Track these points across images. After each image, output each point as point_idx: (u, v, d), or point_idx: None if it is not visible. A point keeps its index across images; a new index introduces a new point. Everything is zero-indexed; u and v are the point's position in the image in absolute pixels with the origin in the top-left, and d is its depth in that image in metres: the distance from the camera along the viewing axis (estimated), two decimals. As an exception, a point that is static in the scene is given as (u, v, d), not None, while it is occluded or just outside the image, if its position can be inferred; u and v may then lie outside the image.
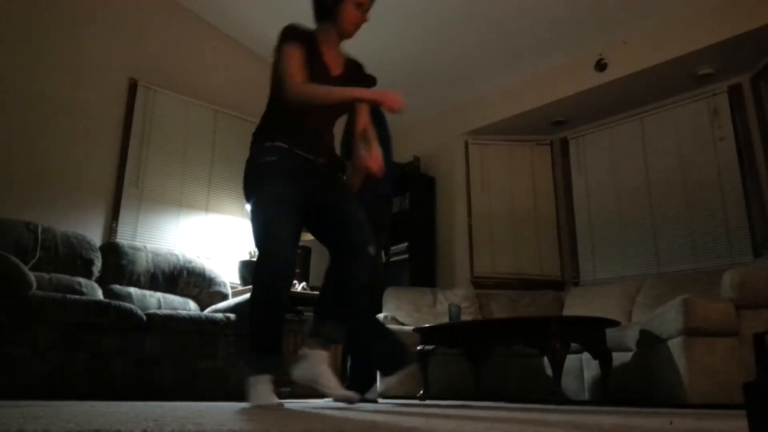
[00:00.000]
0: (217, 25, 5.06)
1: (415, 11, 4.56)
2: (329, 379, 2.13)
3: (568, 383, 3.83)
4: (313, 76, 2.13)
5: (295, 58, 2.12)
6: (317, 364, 2.15)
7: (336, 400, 2.17)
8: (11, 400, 2.38)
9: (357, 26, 2.27)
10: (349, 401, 2.18)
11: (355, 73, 2.36)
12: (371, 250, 2.20)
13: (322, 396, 2.81)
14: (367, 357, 2.86)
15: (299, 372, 2.19)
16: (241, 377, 3.50)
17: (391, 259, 5.43)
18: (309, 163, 2.21)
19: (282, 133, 2.19)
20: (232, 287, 4.36)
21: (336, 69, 2.29)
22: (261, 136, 2.24)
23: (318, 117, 2.23)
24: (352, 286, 2.20)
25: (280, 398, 2.37)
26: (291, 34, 2.20)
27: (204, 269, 4.17)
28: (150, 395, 3.09)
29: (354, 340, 2.79)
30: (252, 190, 2.18)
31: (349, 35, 2.28)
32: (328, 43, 2.29)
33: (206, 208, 4.75)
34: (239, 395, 3.43)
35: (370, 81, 2.38)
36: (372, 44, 4.84)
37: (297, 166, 2.17)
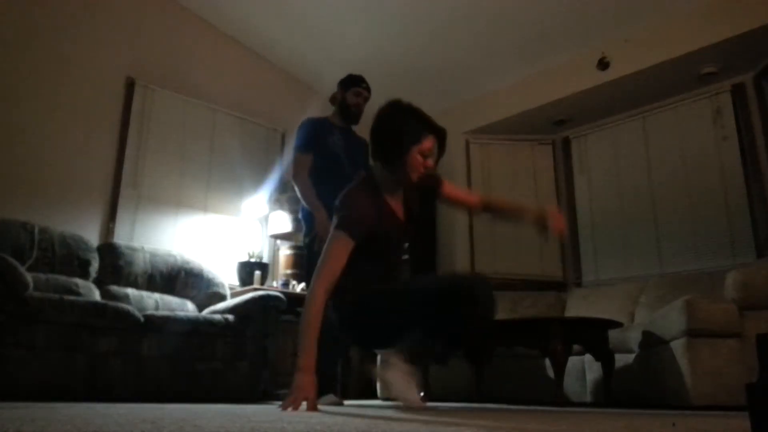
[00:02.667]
0: (216, 23, 5.04)
1: (415, 9, 4.54)
2: (413, 393, 2.12)
3: (569, 385, 3.80)
4: (383, 232, 2.13)
5: (341, 253, 2.05)
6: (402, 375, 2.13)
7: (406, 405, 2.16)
8: (8, 401, 2.35)
9: (420, 174, 2.18)
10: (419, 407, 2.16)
11: (420, 197, 2.34)
12: None
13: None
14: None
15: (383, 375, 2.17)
16: (239, 378, 3.48)
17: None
18: None
19: None
20: (230, 288, 4.33)
21: (401, 213, 2.25)
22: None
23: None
24: None
25: (280, 398, 2.37)
26: (351, 223, 2.06)
27: (202, 270, 4.15)
28: (148, 397, 3.07)
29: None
30: None
31: (410, 183, 2.19)
32: (391, 191, 2.22)
33: (204, 209, 4.73)
34: (238, 397, 3.42)
35: (433, 186, 2.40)
36: (372, 44, 4.83)
37: None
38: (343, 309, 2.19)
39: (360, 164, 3.26)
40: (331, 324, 3.06)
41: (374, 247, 2.15)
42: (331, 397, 2.97)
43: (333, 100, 3.49)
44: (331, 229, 2.12)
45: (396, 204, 2.24)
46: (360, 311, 2.16)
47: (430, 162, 2.17)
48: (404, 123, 2.14)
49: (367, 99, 3.40)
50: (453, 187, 2.40)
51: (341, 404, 2.92)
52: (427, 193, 2.31)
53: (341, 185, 2.86)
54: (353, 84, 3.40)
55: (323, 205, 3.08)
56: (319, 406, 2.02)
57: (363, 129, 3.39)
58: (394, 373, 2.09)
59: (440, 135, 2.18)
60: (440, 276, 2.17)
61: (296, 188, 3.28)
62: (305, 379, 1.90)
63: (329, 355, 3.07)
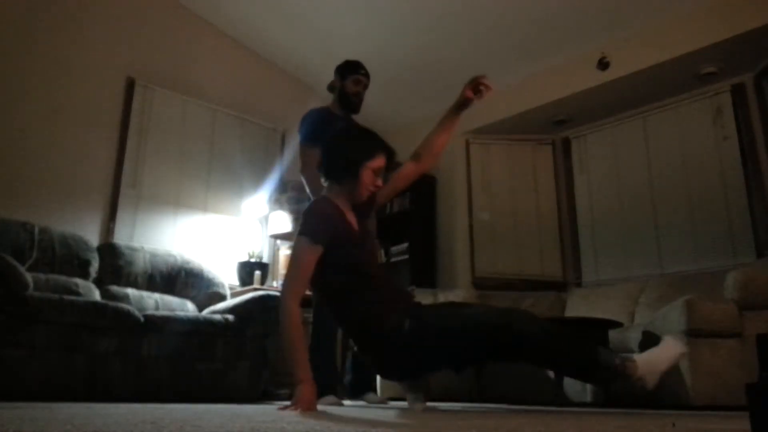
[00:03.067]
0: (216, 23, 5.04)
1: (415, 9, 4.54)
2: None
3: (570, 385, 3.80)
4: (343, 247, 2.13)
5: (307, 259, 2.06)
6: None
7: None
8: (8, 401, 2.35)
9: (369, 192, 2.24)
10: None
11: (364, 212, 2.35)
12: None
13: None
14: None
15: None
16: (239, 378, 3.48)
17: (392, 260, 5.41)
18: None
19: None
20: (230, 288, 4.33)
21: (355, 227, 2.25)
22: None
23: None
24: None
25: (280, 398, 2.37)
26: (313, 228, 2.09)
27: (202, 270, 4.15)
28: (148, 397, 3.07)
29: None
30: None
31: (361, 200, 2.25)
32: (344, 204, 2.25)
33: (204, 208, 4.73)
34: (238, 397, 3.42)
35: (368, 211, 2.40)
36: (372, 44, 4.83)
37: None
38: (391, 338, 2.11)
39: None
40: (327, 320, 3.05)
41: (351, 262, 2.15)
42: (331, 398, 2.96)
43: (331, 88, 3.36)
44: (294, 239, 2.15)
45: (351, 218, 2.26)
46: (417, 336, 2.08)
47: (380, 182, 2.24)
48: (359, 140, 2.26)
49: (366, 86, 3.29)
50: (384, 187, 2.36)
51: (341, 404, 2.91)
52: (363, 209, 2.33)
53: None
54: (351, 71, 3.27)
55: None
56: (319, 407, 2.01)
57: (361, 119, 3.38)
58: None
59: (390, 155, 2.25)
60: (490, 309, 2.15)
61: (304, 182, 3.20)
62: (306, 389, 1.90)
63: (327, 354, 3.06)
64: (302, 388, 1.90)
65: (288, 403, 1.93)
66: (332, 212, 2.17)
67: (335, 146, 2.27)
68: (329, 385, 2.96)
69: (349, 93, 3.25)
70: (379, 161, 2.22)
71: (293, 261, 2.10)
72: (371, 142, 2.24)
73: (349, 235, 2.18)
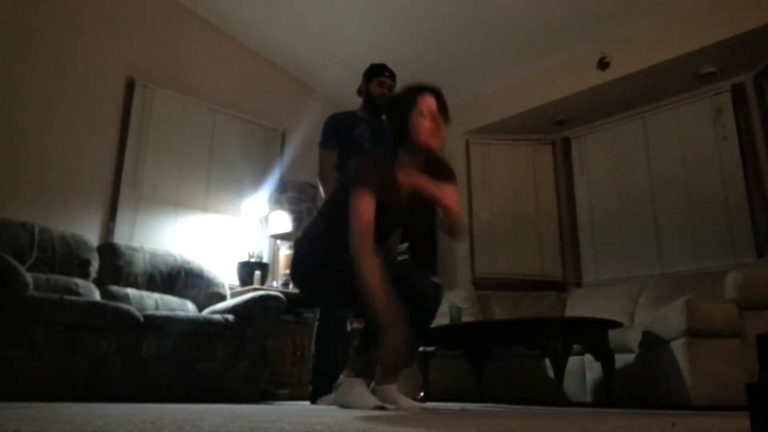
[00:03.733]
0: (216, 23, 5.04)
1: (415, 10, 4.54)
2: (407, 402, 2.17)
3: (570, 385, 3.80)
4: (384, 209, 2.10)
5: (366, 204, 2.05)
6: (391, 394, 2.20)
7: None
8: (8, 401, 2.35)
9: (434, 135, 2.14)
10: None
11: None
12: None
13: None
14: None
15: (337, 398, 2.22)
16: (239, 378, 3.48)
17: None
18: None
19: None
20: (230, 288, 4.33)
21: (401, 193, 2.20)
22: None
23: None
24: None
25: (280, 398, 2.37)
26: (367, 175, 2.10)
27: (202, 270, 4.14)
28: (148, 397, 3.07)
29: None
30: None
31: (429, 149, 2.15)
32: (408, 165, 2.19)
33: (204, 208, 4.73)
34: (238, 397, 3.42)
35: (448, 177, 2.30)
36: (372, 44, 4.82)
37: None
38: (329, 253, 2.14)
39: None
40: (333, 325, 3.08)
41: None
42: (330, 398, 2.97)
43: (360, 92, 3.41)
44: (352, 191, 2.09)
45: (407, 178, 2.18)
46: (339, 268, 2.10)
47: (440, 122, 2.13)
48: (399, 94, 2.22)
49: (392, 87, 3.30)
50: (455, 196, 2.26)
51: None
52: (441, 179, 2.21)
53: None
54: (375, 74, 3.32)
55: None
56: (319, 406, 2.02)
57: None
58: (347, 392, 2.15)
59: (436, 92, 2.16)
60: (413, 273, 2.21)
61: (320, 187, 3.26)
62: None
63: (331, 355, 3.08)
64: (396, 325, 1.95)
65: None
66: (381, 168, 2.14)
67: (387, 112, 2.26)
68: (330, 387, 2.99)
69: (374, 95, 3.28)
70: (425, 101, 2.11)
71: (357, 212, 2.05)
72: (409, 90, 2.17)
73: (390, 198, 2.13)
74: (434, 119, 2.13)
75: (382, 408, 2.02)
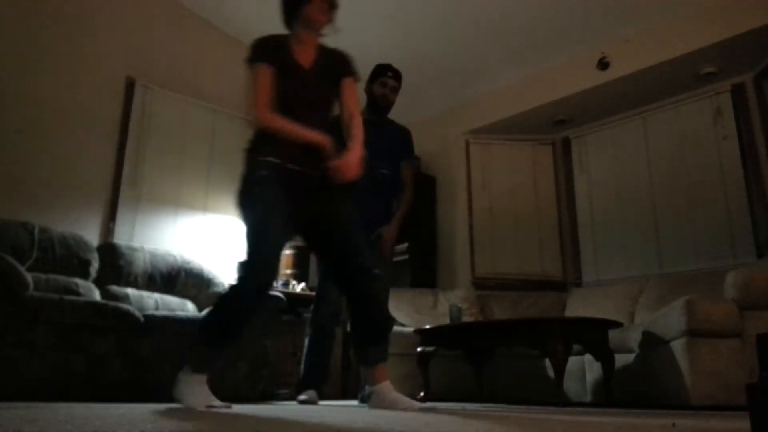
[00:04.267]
0: (216, 23, 5.04)
1: (415, 10, 4.54)
2: (404, 401, 2.13)
3: (570, 385, 3.80)
4: (284, 78, 2.23)
5: (262, 78, 2.21)
6: (388, 393, 2.16)
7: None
8: (8, 401, 2.35)
9: (325, 13, 2.33)
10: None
11: (330, 65, 2.37)
12: (377, 270, 2.24)
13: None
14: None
15: (374, 406, 2.18)
16: (239, 378, 3.48)
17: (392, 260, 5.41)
18: (303, 178, 2.21)
19: (273, 149, 2.20)
20: (231, 288, 4.32)
21: (306, 63, 2.33)
22: (253, 152, 2.28)
23: (306, 124, 2.22)
24: (378, 308, 2.28)
25: (280, 398, 2.37)
26: (259, 50, 2.29)
27: (202, 270, 4.14)
28: (147, 397, 3.06)
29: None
30: (242, 204, 2.23)
31: (319, 26, 2.34)
32: (300, 42, 2.35)
33: (204, 208, 4.72)
34: (238, 397, 3.41)
35: (347, 73, 2.40)
36: (372, 44, 4.82)
37: (290, 182, 2.19)
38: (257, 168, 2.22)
39: (390, 158, 3.20)
40: (323, 317, 3.01)
41: (282, 90, 2.21)
42: (312, 393, 2.99)
43: (364, 92, 3.34)
44: (248, 69, 2.25)
45: (304, 55, 2.32)
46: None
47: (330, 14, 2.34)
48: None
49: (395, 88, 3.27)
50: (353, 92, 2.40)
51: (315, 403, 2.92)
52: (334, 70, 2.37)
53: (365, 183, 2.87)
54: (378, 75, 3.28)
55: None
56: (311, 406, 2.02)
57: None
58: (186, 390, 2.15)
59: None
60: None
61: None
62: (322, 140, 2.17)
63: (316, 348, 3.09)
64: (322, 140, 2.16)
65: None
66: (276, 43, 2.30)
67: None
68: (315, 383, 3.04)
69: (376, 96, 3.25)
70: None
71: (254, 86, 2.20)
72: None
73: (292, 68, 2.26)
74: (325, 13, 2.34)
75: (211, 407, 1.99)
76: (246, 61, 2.29)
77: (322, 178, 2.20)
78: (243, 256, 2.12)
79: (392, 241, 3.20)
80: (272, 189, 2.15)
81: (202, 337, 2.16)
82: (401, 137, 3.36)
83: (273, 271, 2.18)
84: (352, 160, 2.21)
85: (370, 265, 2.22)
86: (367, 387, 2.24)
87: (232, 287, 2.13)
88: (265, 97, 2.18)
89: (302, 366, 3.18)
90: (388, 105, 3.27)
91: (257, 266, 2.08)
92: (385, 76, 3.26)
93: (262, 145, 2.24)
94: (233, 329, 2.12)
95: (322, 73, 2.32)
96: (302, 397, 2.98)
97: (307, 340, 3.19)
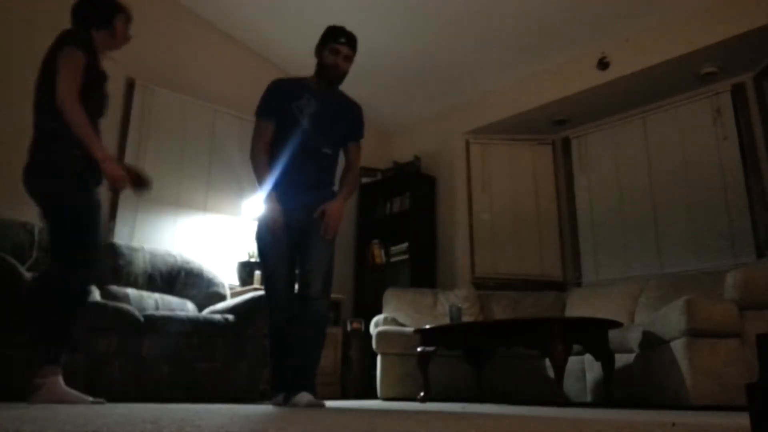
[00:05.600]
0: (216, 23, 5.04)
1: (415, 10, 4.54)
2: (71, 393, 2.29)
3: (569, 385, 3.80)
4: (91, 81, 2.47)
5: (77, 65, 2.42)
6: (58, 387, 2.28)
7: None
8: (8, 401, 2.35)
9: (123, 43, 2.75)
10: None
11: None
12: None
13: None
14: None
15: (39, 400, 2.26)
16: (239, 378, 3.47)
17: (392, 260, 5.41)
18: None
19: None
20: (230, 288, 4.33)
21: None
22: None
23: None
24: None
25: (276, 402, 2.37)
26: (75, 37, 2.53)
27: (202, 270, 4.14)
28: (148, 397, 3.07)
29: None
30: None
31: (117, 48, 2.71)
32: (101, 48, 2.62)
33: (204, 208, 4.72)
34: (238, 397, 3.42)
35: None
36: (373, 43, 4.82)
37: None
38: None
39: (334, 135, 2.81)
40: (282, 327, 2.70)
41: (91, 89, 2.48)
42: (279, 399, 2.62)
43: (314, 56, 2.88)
44: (67, 51, 2.43)
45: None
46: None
47: (129, 37, 2.76)
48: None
49: (349, 57, 2.77)
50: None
51: (279, 404, 2.57)
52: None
53: (300, 157, 2.71)
54: (328, 39, 2.78)
55: (274, 190, 2.68)
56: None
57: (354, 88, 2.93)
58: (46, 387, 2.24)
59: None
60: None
61: (252, 166, 2.82)
62: (105, 158, 2.38)
63: (281, 352, 2.71)
64: (106, 166, 2.37)
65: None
66: (89, 43, 2.53)
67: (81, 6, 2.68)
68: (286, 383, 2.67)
69: (327, 65, 2.75)
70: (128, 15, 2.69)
71: (69, 69, 2.40)
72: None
73: (95, 73, 2.53)
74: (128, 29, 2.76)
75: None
76: (62, 42, 2.52)
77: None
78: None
79: (336, 219, 2.71)
80: None
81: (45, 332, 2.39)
82: (352, 114, 2.90)
83: None
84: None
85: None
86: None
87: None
88: (76, 84, 2.40)
89: (270, 369, 2.91)
90: (340, 76, 2.78)
91: None
92: (337, 41, 2.75)
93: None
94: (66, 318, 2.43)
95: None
96: (273, 401, 2.69)
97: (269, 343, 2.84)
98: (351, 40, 2.79)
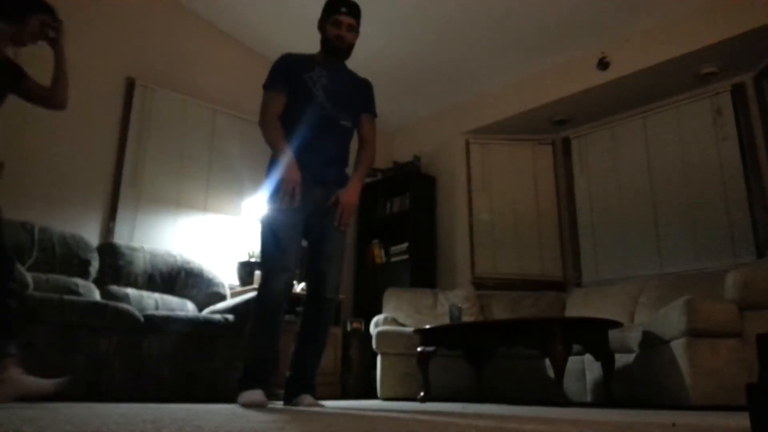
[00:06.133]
0: (215, 23, 5.03)
1: (416, 10, 4.54)
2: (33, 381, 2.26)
3: (569, 385, 3.80)
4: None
5: None
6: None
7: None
8: (8, 402, 2.35)
9: (31, 42, 2.59)
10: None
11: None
12: None
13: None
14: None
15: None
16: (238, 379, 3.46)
17: (392, 260, 5.41)
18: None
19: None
20: (230, 288, 4.33)
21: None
22: None
23: None
24: None
25: (279, 398, 2.37)
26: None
27: (202, 270, 4.15)
28: (148, 397, 3.07)
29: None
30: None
31: (22, 45, 2.61)
32: (5, 39, 2.54)
33: (204, 208, 4.72)
34: (237, 397, 3.41)
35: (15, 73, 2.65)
36: (373, 44, 4.82)
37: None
38: None
39: (350, 107, 2.74)
40: (273, 297, 2.55)
41: None
42: (258, 393, 2.45)
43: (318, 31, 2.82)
44: None
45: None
46: None
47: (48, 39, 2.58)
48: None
49: (352, 26, 2.68)
50: (37, 86, 2.65)
51: (265, 404, 2.42)
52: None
53: (317, 129, 2.61)
54: (330, 11, 2.69)
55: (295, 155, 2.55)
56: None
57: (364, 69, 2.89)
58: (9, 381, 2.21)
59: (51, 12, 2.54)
60: None
61: (263, 135, 2.67)
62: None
63: (269, 338, 2.60)
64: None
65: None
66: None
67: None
68: (261, 378, 2.51)
69: (330, 37, 2.67)
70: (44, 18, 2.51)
71: None
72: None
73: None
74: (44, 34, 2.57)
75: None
76: None
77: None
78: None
79: (351, 208, 2.65)
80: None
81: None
82: (364, 89, 2.85)
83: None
84: None
85: None
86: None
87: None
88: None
89: (247, 356, 2.62)
90: (346, 47, 2.69)
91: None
92: (338, 12, 2.65)
93: None
94: None
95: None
96: (244, 399, 2.44)
97: (252, 323, 2.62)
98: (353, 9, 2.69)
